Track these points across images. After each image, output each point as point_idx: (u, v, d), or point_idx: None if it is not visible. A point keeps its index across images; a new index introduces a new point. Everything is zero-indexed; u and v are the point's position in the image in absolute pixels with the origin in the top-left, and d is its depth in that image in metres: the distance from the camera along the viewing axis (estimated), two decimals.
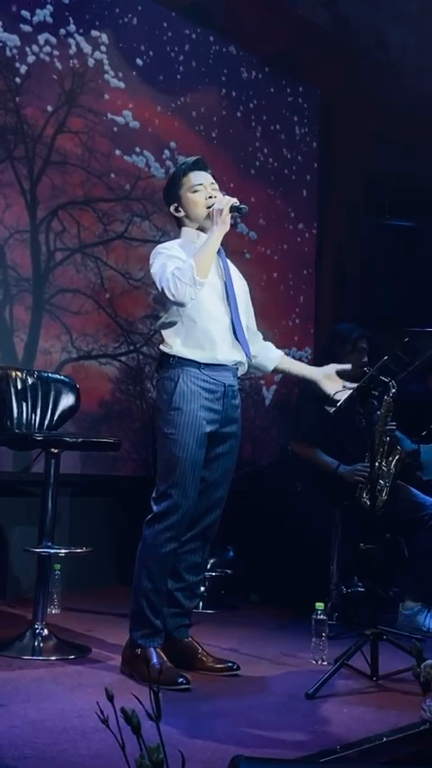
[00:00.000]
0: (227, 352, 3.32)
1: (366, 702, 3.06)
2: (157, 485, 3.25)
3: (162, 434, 3.25)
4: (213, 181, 3.44)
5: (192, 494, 3.22)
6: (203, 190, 3.38)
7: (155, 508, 3.22)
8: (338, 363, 4.52)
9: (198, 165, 3.43)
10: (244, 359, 3.39)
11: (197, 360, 3.26)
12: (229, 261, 3.46)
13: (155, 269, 3.27)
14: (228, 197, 3.31)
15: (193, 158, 3.46)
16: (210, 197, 3.37)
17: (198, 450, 3.23)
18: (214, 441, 3.31)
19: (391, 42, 6.32)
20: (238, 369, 3.39)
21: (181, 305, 3.20)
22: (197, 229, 3.40)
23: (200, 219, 3.39)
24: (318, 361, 4.65)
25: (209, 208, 3.34)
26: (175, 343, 3.28)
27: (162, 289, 3.19)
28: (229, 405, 3.33)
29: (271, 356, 3.60)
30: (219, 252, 3.39)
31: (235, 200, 3.30)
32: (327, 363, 4.61)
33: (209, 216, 3.33)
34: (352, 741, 2.53)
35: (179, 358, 3.26)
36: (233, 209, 3.29)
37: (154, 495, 3.25)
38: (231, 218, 3.30)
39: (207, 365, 3.27)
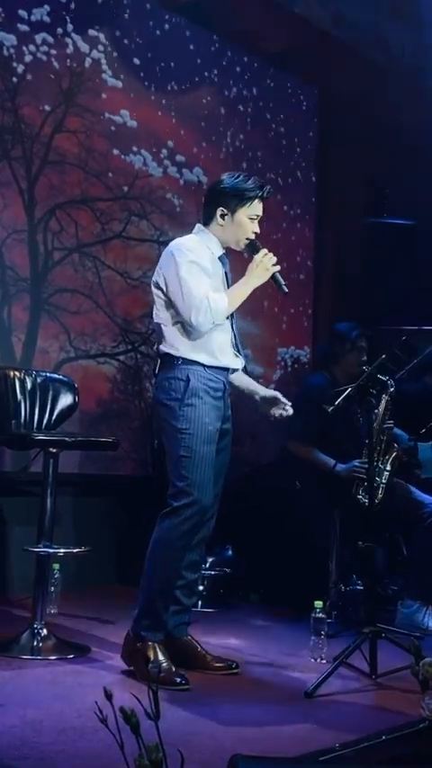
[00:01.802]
0: (229, 360, 3.40)
1: (365, 701, 3.06)
2: (174, 481, 3.25)
3: (175, 432, 3.26)
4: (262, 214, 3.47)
5: (209, 486, 3.25)
6: (255, 221, 3.43)
7: (174, 503, 3.22)
8: (338, 363, 4.55)
9: (267, 198, 3.45)
10: (241, 366, 3.47)
11: (202, 362, 3.31)
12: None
13: (183, 274, 3.28)
14: (273, 259, 3.35)
15: (270, 191, 3.46)
16: (256, 232, 3.41)
17: (211, 444, 3.27)
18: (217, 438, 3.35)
19: (391, 41, 6.32)
20: (230, 370, 3.44)
21: (196, 331, 3.27)
22: (218, 238, 3.42)
23: (231, 240, 3.43)
24: (318, 361, 4.66)
25: (247, 239, 3.40)
26: (181, 345, 3.31)
27: (190, 309, 3.24)
28: (227, 403, 3.41)
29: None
30: (224, 263, 3.45)
31: (278, 268, 3.37)
32: (327, 362, 4.63)
33: (243, 246, 3.42)
34: (351, 739, 2.53)
35: (185, 359, 3.30)
36: (276, 280, 3.37)
37: (171, 492, 3.25)
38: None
39: (211, 366, 3.33)
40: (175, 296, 3.29)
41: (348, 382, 3.94)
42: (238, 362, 3.44)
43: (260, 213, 3.43)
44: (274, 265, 3.36)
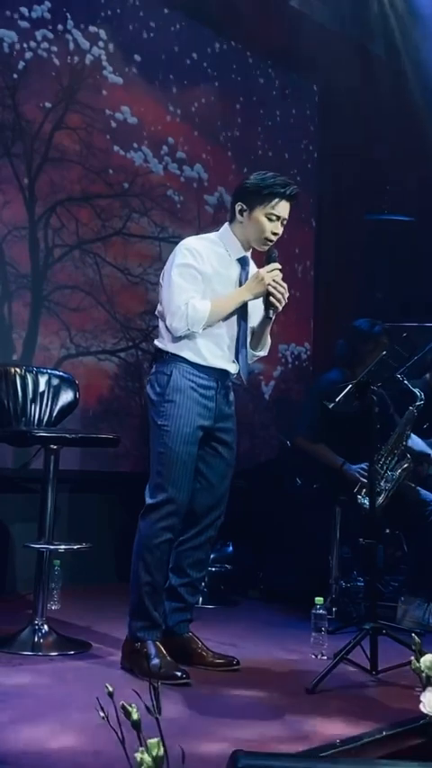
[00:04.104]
0: (219, 363, 3.31)
1: (366, 697, 3.07)
2: (151, 477, 3.26)
3: (156, 427, 3.25)
4: (287, 217, 3.34)
5: (186, 485, 3.23)
6: (276, 222, 3.31)
7: (149, 500, 3.23)
8: (362, 363, 4.42)
9: (292, 198, 3.32)
10: (235, 372, 3.36)
11: (189, 359, 3.26)
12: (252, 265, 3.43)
13: (173, 276, 3.23)
14: (277, 277, 3.25)
15: (293, 190, 3.31)
16: (274, 233, 3.31)
17: (192, 442, 3.23)
18: (211, 437, 3.33)
19: (390, 37, 6.30)
20: (228, 374, 3.37)
21: (173, 334, 3.23)
22: (239, 238, 3.34)
23: (251, 240, 3.33)
24: (338, 358, 4.61)
25: (267, 241, 3.30)
26: (169, 340, 3.27)
27: (168, 312, 3.21)
28: (223, 401, 3.34)
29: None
30: (244, 265, 3.36)
31: (279, 290, 3.24)
32: (348, 360, 4.50)
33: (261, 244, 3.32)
34: (352, 735, 2.54)
35: (172, 354, 3.27)
36: (269, 304, 3.27)
37: (148, 487, 3.26)
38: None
39: (199, 365, 3.27)
40: (162, 296, 3.28)
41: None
42: (232, 367, 3.34)
43: (281, 214, 3.29)
44: (276, 286, 3.24)
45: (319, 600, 3.65)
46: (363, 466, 4.24)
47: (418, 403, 4.32)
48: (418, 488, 4.39)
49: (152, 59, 5.46)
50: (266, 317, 3.34)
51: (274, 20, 5.86)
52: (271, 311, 3.30)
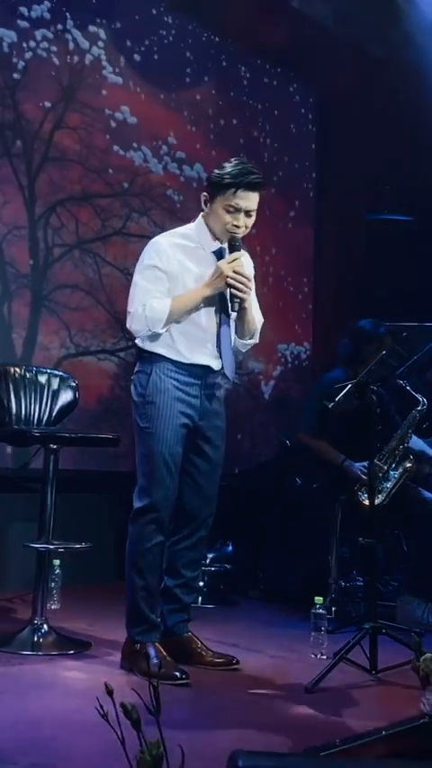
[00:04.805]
0: (201, 359, 3.24)
1: (365, 696, 3.07)
2: (138, 480, 3.24)
3: (138, 428, 3.23)
4: (255, 208, 3.20)
5: (171, 486, 3.21)
6: (235, 214, 3.16)
7: (136, 504, 3.22)
8: (365, 363, 4.42)
9: (254, 188, 3.17)
10: (219, 367, 3.27)
11: (169, 357, 3.21)
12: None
13: (136, 278, 3.21)
14: (239, 267, 3.14)
15: (253, 179, 3.15)
16: (235, 225, 3.17)
17: (175, 442, 3.20)
18: (197, 435, 3.29)
19: (391, 38, 6.30)
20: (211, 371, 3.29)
21: (135, 336, 3.22)
22: (209, 230, 3.26)
23: (216, 232, 3.24)
24: (340, 358, 4.61)
25: (229, 233, 3.19)
26: (147, 338, 3.22)
27: (128, 314, 3.18)
28: (208, 397, 3.28)
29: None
30: (219, 258, 3.25)
31: (244, 281, 3.13)
32: (351, 361, 4.49)
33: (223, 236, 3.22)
34: (351, 735, 2.54)
35: (151, 352, 3.22)
36: (231, 293, 3.16)
37: (135, 490, 3.25)
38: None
39: (179, 362, 3.22)
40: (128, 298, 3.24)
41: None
42: (215, 363, 3.25)
43: (242, 205, 3.14)
44: (237, 277, 3.12)
45: (318, 600, 3.64)
46: (364, 464, 4.23)
47: (420, 408, 4.33)
48: (419, 488, 4.39)
49: (152, 59, 5.46)
50: (232, 310, 3.23)
51: (276, 20, 5.86)
52: (236, 304, 3.20)
